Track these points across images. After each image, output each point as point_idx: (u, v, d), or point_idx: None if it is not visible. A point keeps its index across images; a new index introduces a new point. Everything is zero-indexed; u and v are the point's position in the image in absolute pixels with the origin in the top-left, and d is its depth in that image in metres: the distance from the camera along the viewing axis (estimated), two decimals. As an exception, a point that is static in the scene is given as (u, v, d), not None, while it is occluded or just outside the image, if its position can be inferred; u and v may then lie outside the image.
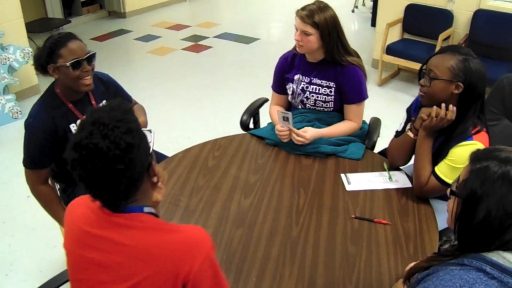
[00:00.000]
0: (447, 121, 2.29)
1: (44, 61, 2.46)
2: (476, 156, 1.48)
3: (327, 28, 2.71)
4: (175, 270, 1.42)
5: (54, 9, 8.33)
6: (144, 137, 1.48)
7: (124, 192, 1.43)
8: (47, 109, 2.56)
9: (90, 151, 1.35)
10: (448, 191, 1.54)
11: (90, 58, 2.51)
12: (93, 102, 2.70)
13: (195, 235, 1.50)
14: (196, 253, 1.45)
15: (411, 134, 2.48)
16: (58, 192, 2.85)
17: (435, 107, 2.30)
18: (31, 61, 5.48)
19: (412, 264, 1.72)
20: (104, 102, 2.73)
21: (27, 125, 2.55)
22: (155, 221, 1.52)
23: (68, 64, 2.42)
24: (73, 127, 2.60)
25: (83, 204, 1.58)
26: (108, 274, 1.47)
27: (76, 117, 2.61)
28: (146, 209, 1.52)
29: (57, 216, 2.71)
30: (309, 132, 2.75)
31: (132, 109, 1.51)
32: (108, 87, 2.84)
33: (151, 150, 1.54)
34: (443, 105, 2.28)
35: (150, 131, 1.60)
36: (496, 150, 1.44)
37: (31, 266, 3.39)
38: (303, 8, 2.76)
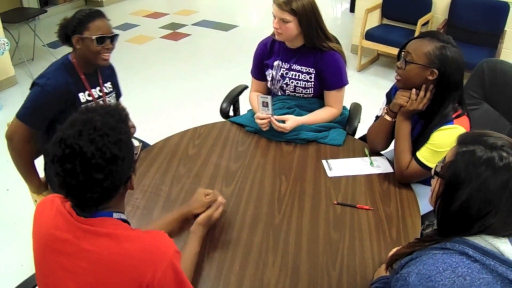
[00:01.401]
0: (425, 103, 2.30)
1: (70, 30, 2.56)
2: (463, 139, 1.47)
3: (305, 14, 2.68)
4: (138, 278, 1.40)
5: (30, -2, 8.22)
6: (131, 150, 1.47)
7: (96, 199, 1.41)
8: (63, 74, 2.62)
9: (73, 152, 1.33)
10: (433, 171, 1.53)
11: (113, 38, 2.64)
12: (100, 80, 2.81)
13: (158, 242, 1.48)
14: (158, 261, 1.43)
15: (388, 118, 2.49)
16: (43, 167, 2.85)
17: (413, 90, 2.31)
18: (7, 52, 5.41)
19: (394, 250, 1.72)
20: (109, 83, 2.89)
21: (40, 83, 2.58)
22: (122, 228, 1.48)
23: (93, 37, 2.54)
24: (82, 96, 2.69)
25: (52, 205, 1.54)
26: (74, 280, 1.45)
27: (85, 88, 2.71)
28: (115, 215, 1.50)
29: (29, 178, 2.84)
30: (289, 123, 2.73)
31: (128, 118, 1.50)
32: (113, 74, 2.98)
33: (135, 163, 1.53)
34: (422, 87, 2.29)
35: (138, 141, 1.58)
36: (484, 135, 1.43)
37: (11, 260, 3.34)
38: None
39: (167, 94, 5.70)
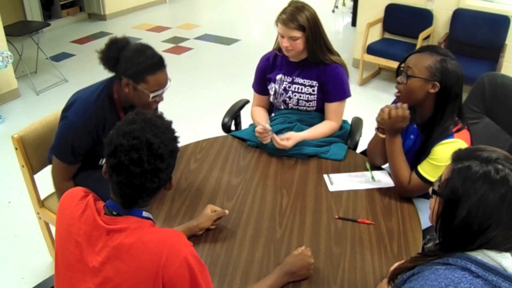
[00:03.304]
0: (402, 119, 2.32)
1: (124, 71, 2.34)
2: (457, 156, 1.48)
3: (311, 27, 2.70)
4: (155, 270, 1.44)
5: (33, 12, 8.25)
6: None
7: (151, 191, 1.53)
8: (98, 112, 2.43)
9: (141, 142, 1.45)
10: (430, 190, 1.54)
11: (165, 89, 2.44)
12: None
13: (173, 239, 1.51)
14: (172, 257, 1.46)
15: (379, 134, 2.50)
16: None
17: (386, 108, 2.33)
18: (10, 65, 5.44)
19: (396, 264, 1.72)
20: None
21: (72, 121, 2.41)
22: (143, 224, 1.54)
23: (151, 95, 2.34)
24: None
25: (83, 200, 1.61)
26: (94, 274, 1.51)
27: None
28: (144, 214, 1.58)
29: None
30: (291, 142, 2.72)
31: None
32: None
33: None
34: (398, 104, 2.32)
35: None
36: (478, 150, 1.44)
37: (13, 273, 3.34)
38: (283, 13, 2.73)
39: (169, 108, 5.65)
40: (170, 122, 1.61)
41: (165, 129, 1.53)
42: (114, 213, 1.54)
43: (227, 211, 2.19)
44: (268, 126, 2.73)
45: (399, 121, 2.33)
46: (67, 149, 2.47)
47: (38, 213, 2.98)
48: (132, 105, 2.46)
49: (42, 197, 2.98)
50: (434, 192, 1.51)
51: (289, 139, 2.72)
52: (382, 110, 2.40)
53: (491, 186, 1.35)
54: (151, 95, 2.34)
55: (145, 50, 2.36)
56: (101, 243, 1.50)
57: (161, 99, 2.47)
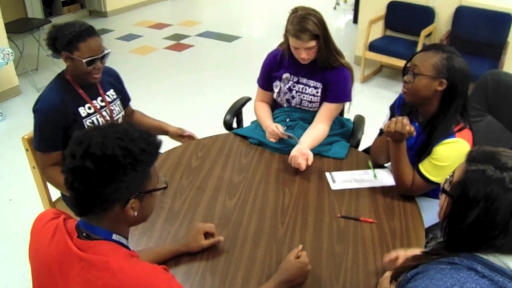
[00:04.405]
0: (400, 135, 2.28)
1: (60, 46, 2.49)
2: (472, 157, 1.43)
3: (323, 34, 2.67)
4: None
5: (34, 9, 8.25)
6: (142, 173, 1.45)
7: (102, 199, 1.41)
8: (57, 92, 2.57)
9: (81, 142, 1.39)
10: (441, 185, 1.51)
11: (104, 57, 2.57)
12: (101, 90, 2.74)
13: (151, 277, 1.40)
14: None
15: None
16: None
17: (392, 120, 2.30)
18: (11, 62, 5.43)
19: (400, 256, 1.70)
20: (112, 90, 2.82)
21: (37, 108, 2.55)
22: (118, 256, 1.43)
23: (84, 61, 2.47)
24: (82, 110, 2.63)
25: (52, 223, 1.54)
26: None
27: (85, 101, 2.65)
28: (115, 236, 1.49)
29: None
30: (311, 158, 2.61)
31: (155, 149, 1.49)
32: (115, 80, 2.90)
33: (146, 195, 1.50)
34: (399, 119, 2.28)
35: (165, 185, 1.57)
36: (495, 154, 1.39)
37: (13, 271, 3.34)
38: (291, 24, 2.67)
39: (170, 105, 5.70)
40: (144, 139, 1.44)
41: (125, 137, 1.40)
42: (84, 234, 1.45)
43: (222, 238, 2.08)
44: (283, 132, 2.73)
45: (398, 135, 2.30)
46: (36, 137, 2.59)
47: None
48: (88, 81, 2.61)
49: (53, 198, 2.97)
50: (444, 191, 1.49)
51: (309, 159, 2.61)
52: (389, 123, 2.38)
53: (504, 194, 1.31)
54: (84, 61, 2.46)
55: (74, 23, 2.52)
56: (75, 272, 1.41)
57: (100, 66, 2.56)
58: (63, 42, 2.46)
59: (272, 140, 2.77)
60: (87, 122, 2.63)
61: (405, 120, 2.26)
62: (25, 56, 6.29)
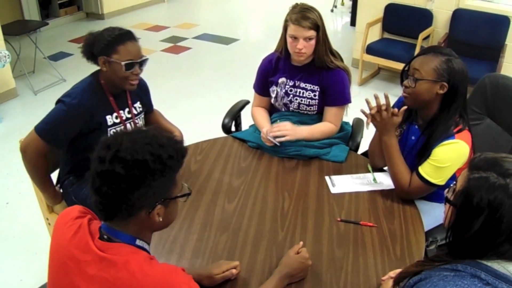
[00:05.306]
0: (392, 114, 2.35)
1: (97, 50, 2.45)
2: (475, 165, 1.41)
3: (322, 28, 2.68)
4: None
5: (31, 11, 8.22)
6: (169, 179, 1.46)
7: (129, 204, 1.41)
8: (90, 97, 2.52)
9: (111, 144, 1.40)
10: (445, 193, 1.50)
11: (143, 63, 2.55)
12: (129, 101, 2.71)
13: (171, 277, 1.41)
14: None
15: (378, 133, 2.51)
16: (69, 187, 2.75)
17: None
18: (8, 64, 5.41)
19: (398, 271, 1.69)
20: (138, 103, 2.78)
21: (64, 103, 2.48)
22: (137, 257, 1.43)
23: (122, 63, 2.43)
24: (109, 119, 2.59)
25: (76, 220, 1.54)
26: None
27: (113, 110, 2.61)
28: (138, 242, 1.49)
29: (45, 189, 2.66)
30: (289, 136, 2.70)
31: (182, 155, 1.49)
32: (143, 92, 2.85)
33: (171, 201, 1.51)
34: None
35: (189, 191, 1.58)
36: (498, 160, 1.38)
37: (11, 274, 3.32)
38: (293, 13, 2.68)
39: (168, 108, 5.66)
40: (171, 146, 1.45)
41: (153, 142, 1.42)
42: (105, 236, 1.47)
43: (235, 272, 1.93)
44: (270, 139, 2.72)
45: (379, 118, 2.37)
46: (44, 124, 2.49)
47: (47, 219, 2.92)
48: (121, 89, 2.59)
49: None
50: (447, 200, 1.47)
51: (286, 135, 2.70)
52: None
53: (508, 200, 1.30)
54: (123, 63, 2.42)
55: (113, 28, 2.51)
56: (94, 271, 1.42)
57: (138, 72, 2.53)
58: (102, 45, 2.43)
59: (268, 144, 2.76)
60: (111, 132, 2.58)
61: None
62: (21, 58, 6.27)
